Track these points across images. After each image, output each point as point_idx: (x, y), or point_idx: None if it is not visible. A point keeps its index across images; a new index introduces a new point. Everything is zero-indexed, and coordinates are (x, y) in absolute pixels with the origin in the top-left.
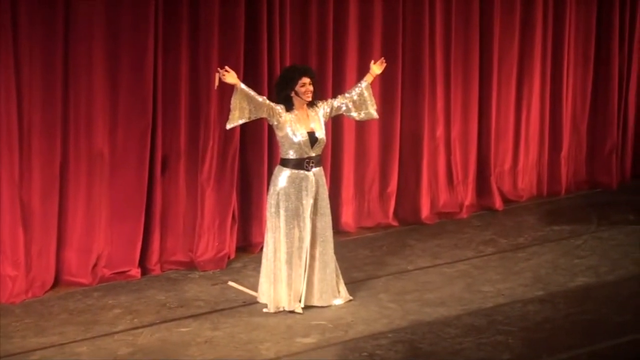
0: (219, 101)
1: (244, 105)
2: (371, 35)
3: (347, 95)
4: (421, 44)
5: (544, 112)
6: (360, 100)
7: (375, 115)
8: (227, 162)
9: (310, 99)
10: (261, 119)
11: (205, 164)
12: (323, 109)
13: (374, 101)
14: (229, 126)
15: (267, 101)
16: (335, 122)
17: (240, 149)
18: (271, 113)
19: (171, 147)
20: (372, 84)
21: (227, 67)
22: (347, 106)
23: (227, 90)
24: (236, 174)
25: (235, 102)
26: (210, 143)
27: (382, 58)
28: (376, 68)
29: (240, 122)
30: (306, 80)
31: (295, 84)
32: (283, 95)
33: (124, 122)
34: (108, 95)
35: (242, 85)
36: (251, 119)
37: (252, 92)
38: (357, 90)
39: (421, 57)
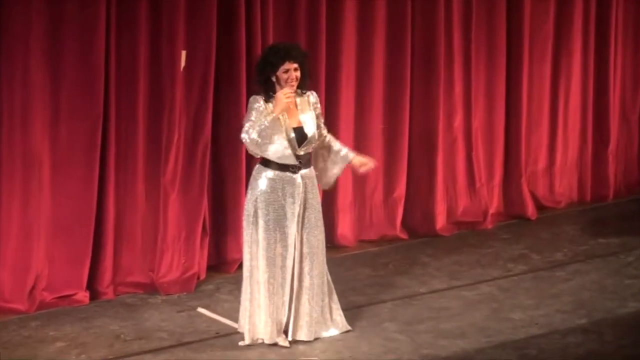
0: (186, 86)
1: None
2: (373, 7)
3: (328, 138)
4: (435, 15)
5: (586, 99)
6: (330, 158)
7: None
8: (197, 161)
9: (293, 87)
10: (236, 104)
11: (169, 163)
12: (313, 103)
13: (330, 177)
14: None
15: (260, 115)
16: (329, 109)
17: (213, 144)
18: None
19: (127, 142)
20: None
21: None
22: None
23: (196, 73)
24: (207, 175)
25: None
26: (176, 137)
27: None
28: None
29: None
30: (291, 65)
31: (277, 69)
32: (262, 79)
33: (68, 114)
34: (48, 82)
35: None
36: None
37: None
38: (335, 151)
39: (435, 31)
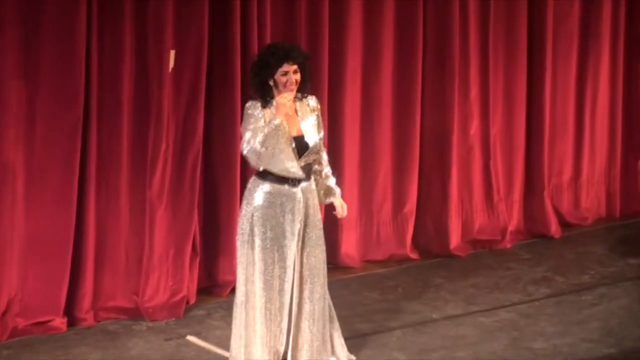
0: (174, 89)
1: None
2: (381, 0)
3: (324, 162)
4: (449, 10)
5: (615, 104)
6: (320, 183)
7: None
8: (186, 172)
9: (293, 91)
10: (229, 109)
11: (156, 175)
12: (313, 108)
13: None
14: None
15: (260, 122)
16: (332, 118)
17: (204, 154)
18: None
19: (109, 151)
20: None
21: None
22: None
23: (186, 74)
24: (198, 188)
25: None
26: (163, 145)
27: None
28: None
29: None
30: (290, 67)
31: (274, 71)
32: (258, 82)
33: (44, 120)
34: (22, 85)
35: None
36: None
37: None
38: (326, 183)
39: (449, 28)
